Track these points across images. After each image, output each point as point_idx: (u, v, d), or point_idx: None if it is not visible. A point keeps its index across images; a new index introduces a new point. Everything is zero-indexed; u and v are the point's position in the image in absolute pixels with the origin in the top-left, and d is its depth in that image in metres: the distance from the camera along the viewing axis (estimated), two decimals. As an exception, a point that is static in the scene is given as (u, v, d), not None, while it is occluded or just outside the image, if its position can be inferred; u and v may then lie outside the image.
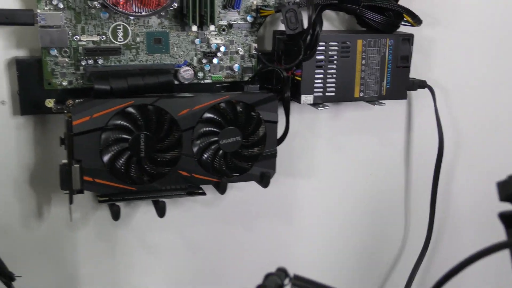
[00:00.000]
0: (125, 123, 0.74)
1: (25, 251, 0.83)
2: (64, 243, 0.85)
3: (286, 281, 0.42)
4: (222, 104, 0.78)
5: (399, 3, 0.86)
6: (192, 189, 0.82)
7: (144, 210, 0.88)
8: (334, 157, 0.97)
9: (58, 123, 0.79)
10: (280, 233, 0.97)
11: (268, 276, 0.42)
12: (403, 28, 0.88)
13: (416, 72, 0.94)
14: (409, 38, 0.87)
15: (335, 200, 0.99)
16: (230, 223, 0.94)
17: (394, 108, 0.97)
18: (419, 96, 0.96)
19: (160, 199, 0.80)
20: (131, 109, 0.74)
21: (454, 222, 1.08)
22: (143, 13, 0.71)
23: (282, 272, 0.42)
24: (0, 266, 0.74)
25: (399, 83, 0.88)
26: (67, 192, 0.74)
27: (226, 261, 0.95)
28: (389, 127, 0.99)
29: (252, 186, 0.91)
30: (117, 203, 0.78)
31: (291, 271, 0.98)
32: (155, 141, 0.75)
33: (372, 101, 0.88)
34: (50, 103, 0.74)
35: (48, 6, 0.71)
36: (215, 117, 0.78)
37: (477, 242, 1.11)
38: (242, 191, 0.92)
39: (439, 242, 1.08)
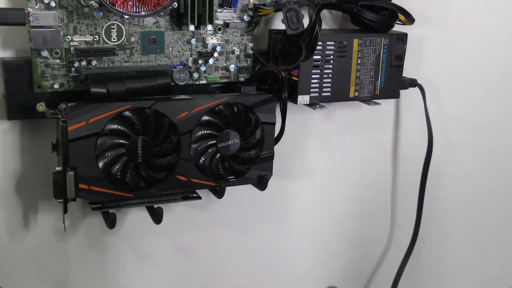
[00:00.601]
0: (122, 128, 0.71)
1: (12, 263, 0.79)
2: (53, 253, 0.82)
3: None
4: (220, 107, 0.76)
5: (393, 2, 0.86)
6: (187, 194, 0.80)
7: (135, 216, 0.86)
8: (326, 158, 0.96)
9: (47, 128, 0.76)
10: (273, 236, 0.96)
11: None
12: (395, 27, 0.88)
13: (406, 71, 0.94)
14: (403, 37, 0.87)
15: (327, 202, 0.99)
16: (223, 227, 0.92)
17: (384, 107, 0.97)
18: (409, 95, 0.97)
19: (156, 205, 0.78)
20: (128, 113, 0.71)
21: (440, 220, 1.09)
22: (143, 13, 0.68)
23: None
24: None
25: (393, 82, 0.88)
26: (61, 201, 0.71)
27: (220, 266, 0.94)
28: (379, 127, 0.99)
29: (244, 189, 0.90)
30: (111, 210, 0.75)
31: (283, 273, 0.97)
32: (153, 146, 0.73)
33: (366, 100, 0.88)
34: (41, 107, 0.70)
35: (38, 4, 0.68)
36: (213, 119, 0.76)
37: (464, 239, 1.13)
38: (235, 194, 0.90)
39: (425, 240, 1.09)
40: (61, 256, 0.83)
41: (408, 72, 0.94)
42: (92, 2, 0.67)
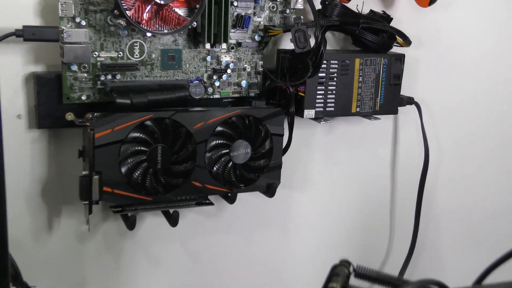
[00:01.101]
0: (143, 136, 0.77)
1: (36, 263, 0.85)
2: (73, 256, 0.87)
3: (351, 269, 0.47)
4: (233, 118, 0.83)
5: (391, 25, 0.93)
6: (201, 200, 0.86)
7: (149, 222, 0.91)
8: (329, 170, 1.02)
9: (72, 137, 0.82)
10: (276, 244, 1.02)
11: (335, 267, 0.46)
12: (394, 49, 0.95)
13: (403, 89, 1.01)
14: (400, 58, 0.94)
15: (328, 212, 1.05)
16: (230, 234, 0.98)
17: (383, 123, 1.03)
18: (406, 112, 1.03)
19: (172, 210, 0.83)
20: (149, 123, 0.77)
21: (436, 230, 1.15)
22: (165, 31, 0.75)
23: (346, 263, 0.47)
24: (18, 276, 0.76)
25: (391, 99, 0.95)
26: (86, 202, 0.76)
27: (226, 271, 0.99)
28: (379, 141, 1.05)
29: (251, 199, 0.96)
30: (131, 213, 0.81)
31: (285, 279, 1.02)
32: (171, 154, 0.79)
33: (367, 115, 0.94)
34: (70, 116, 0.77)
35: (70, 23, 0.74)
36: (226, 130, 0.82)
37: (457, 249, 1.18)
38: (242, 203, 0.96)
39: (423, 249, 1.15)
40: (80, 258, 0.88)
41: (405, 90, 1.01)
42: (120, 21, 0.73)
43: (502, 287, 0.43)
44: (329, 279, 0.45)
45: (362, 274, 0.46)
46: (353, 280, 0.46)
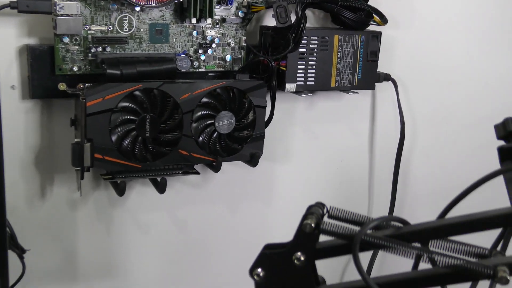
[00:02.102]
0: (133, 105, 0.81)
1: (30, 228, 0.89)
2: (65, 222, 0.91)
3: (325, 210, 0.51)
4: (218, 90, 0.87)
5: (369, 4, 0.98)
6: (187, 169, 0.90)
7: (138, 191, 0.95)
8: (308, 144, 1.07)
9: (64, 107, 0.86)
10: (260, 213, 1.06)
11: (311, 207, 0.51)
12: (371, 27, 1.00)
13: (380, 67, 1.05)
14: (377, 35, 0.99)
15: (309, 183, 1.09)
16: (216, 203, 1.02)
17: (361, 98, 1.08)
18: (383, 89, 1.08)
19: (160, 178, 0.87)
20: (138, 93, 0.81)
21: (411, 201, 1.20)
22: (153, 4, 0.79)
23: (321, 204, 0.51)
24: (14, 239, 0.80)
25: (369, 75, 1.00)
26: (78, 168, 0.80)
27: (212, 239, 1.04)
28: (356, 117, 1.10)
29: (236, 170, 1.00)
30: (121, 180, 0.85)
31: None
32: (159, 123, 0.83)
33: (345, 90, 0.99)
34: (63, 86, 0.81)
35: (62, -3, 0.78)
36: (212, 101, 0.87)
37: (431, 214, 1.24)
38: (227, 173, 1.00)
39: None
40: (72, 224, 0.92)
41: (382, 67, 1.06)
42: (111, -6, 0.77)
43: (462, 218, 0.48)
44: (304, 217, 0.50)
45: (334, 215, 0.50)
46: (327, 220, 0.51)
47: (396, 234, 0.50)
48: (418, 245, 0.50)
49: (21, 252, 0.82)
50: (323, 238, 0.52)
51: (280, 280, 0.52)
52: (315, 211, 0.50)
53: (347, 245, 0.50)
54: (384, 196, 1.15)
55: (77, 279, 0.94)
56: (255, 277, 0.53)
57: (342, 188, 1.13)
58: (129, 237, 0.97)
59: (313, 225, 0.50)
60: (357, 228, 0.51)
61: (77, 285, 0.95)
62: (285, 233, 1.07)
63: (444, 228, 0.50)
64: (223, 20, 0.89)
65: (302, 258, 0.51)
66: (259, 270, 0.53)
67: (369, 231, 0.51)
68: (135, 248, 0.98)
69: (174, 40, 0.87)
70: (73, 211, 0.92)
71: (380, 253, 1.12)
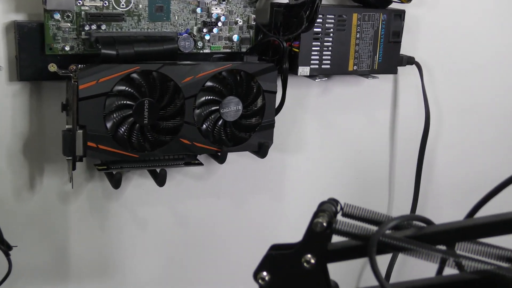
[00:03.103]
0: (129, 89, 0.80)
1: (18, 223, 0.88)
2: (56, 216, 0.91)
3: (338, 208, 0.50)
4: (224, 73, 0.85)
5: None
6: (190, 160, 0.89)
7: (136, 183, 0.94)
8: (323, 133, 1.05)
9: (55, 90, 0.84)
10: (269, 208, 1.05)
11: (323, 204, 0.49)
12: (393, 5, 0.97)
13: (403, 49, 1.03)
14: (400, 14, 0.97)
15: (323, 176, 1.08)
16: (221, 197, 1.01)
17: (381, 84, 1.06)
18: (406, 73, 1.06)
19: (159, 169, 0.86)
20: (135, 75, 0.80)
21: (436, 197, 1.18)
22: (153, -22, 0.78)
23: (333, 201, 0.50)
24: (-1, 235, 0.79)
25: (391, 58, 0.98)
26: (70, 158, 0.79)
27: (216, 236, 1.03)
28: (376, 104, 1.08)
29: (242, 160, 0.99)
30: (116, 171, 0.84)
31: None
32: (158, 108, 0.82)
33: (364, 74, 0.97)
34: (53, 67, 0.79)
35: (53, -31, 0.77)
36: (216, 85, 0.85)
37: (458, 213, 1.22)
38: (233, 165, 0.99)
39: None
40: (63, 219, 0.91)
41: (405, 50, 1.04)
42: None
43: (493, 218, 0.46)
44: (315, 215, 0.48)
45: (349, 213, 0.49)
46: (340, 218, 0.49)
47: (418, 235, 0.49)
48: (443, 247, 0.49)
49: (7, 248, 0.81)
50: (336, 238, 0.51)
51: (287, 285, 0.51)
52: (328, 208, 0.49)
53: (363, 246, 0.49)
54: (405, 192, 1.13)
55: (68, 279, 0.94)
56: (259, 281, 0.52)
57: (359, 182, 1.11)
58: (126, 233, 0.96)
59: (324, 224, 0.49)
60: (374, 228, 0.49)
61: (68, 285, 0.94)
62: (296, 232, 1.06)
63: (473, 228, 0.49)
64: (230, -5, 0.88)
65: (312, 261, 0.50)
66: (264, 273, 0.51)
67: (387, 231, 0.49)
68: (131, 245, 0.97)
69: (176, 18, 0.86)
70: (64, 205, 0.91)
71: (400, 256, 1.11)
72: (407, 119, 1.11)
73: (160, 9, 0.84)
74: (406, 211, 1.11)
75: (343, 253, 0.50)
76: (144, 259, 0.98)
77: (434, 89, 1.11)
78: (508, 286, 0.47)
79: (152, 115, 0.81)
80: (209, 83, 0.85)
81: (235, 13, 0.89)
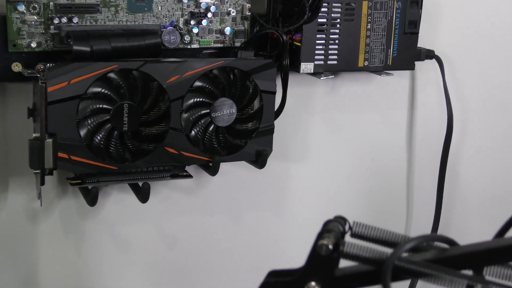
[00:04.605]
0: (106, 91, 0.79)
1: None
2: (23, 238, 0.90)
3: (347, 227, 0.49)
4: (215, 71, 0.85)
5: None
6: (177, 171, 0.88)
7: (115, 199, 0.94)
8: (331, 138, 1.05)
9: (20, 93, 0.84)
10: (269, 226, 1.05)
11: (328, 223, 0.49)
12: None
13: (421, 41, 1.03)
14: (417, 1, 0.96)
15: (332, 188, 1.07)
16: (214, 214, 1.00)
17: (396, 81, 1.06)
18: (425, 68, 1.06)
19: (142, 182, 0.85)
20: (113, 75, 0.79)
21: (462, 212, 1.17)
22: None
23: (341, 219, 0.49)
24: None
25: (407, 51, 0.98)
26: (38, 171, 0.78)
27: (209, 259, 1.02)
28: (391, 104, 1.08)
29: (237, 171, 0.99)
30: (92, 186, 0.83)
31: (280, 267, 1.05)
32: (140, 113, 0.81)
33: (377, 71, 0.97)
34: (17, 67, 0.79)
35: (16, -47, 0.76)
36: (207, 86, 0.85)
37: (488, 231, 1.21)
38: (228, 176, 0.99)
39: (446, 232, 1.17)
40: (31, 241, 0.90)
41: (423, 42, 1.03)
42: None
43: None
44: (320, 236, 0.48)
45: (359, 233, 0.48)
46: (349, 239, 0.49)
47: (440, 258, 0.49)
48: (469, 272, 0.48)
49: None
50: (344, 263, 0.50)
51: (288, 318, 0.50)
52: (334, 227, 0.48)
53: (375, 272, 0.48)
54: (426, 206, 1.12)
55: (38, 310, 0.93)
56: (256, 313, 0.51)
57: (373, 195, 1.11)
58: (105, 256, 0.95)
59: (330, 246, 0.48)
60: (389, 251, 0.48)
61: (39, 316, 0.93)
62: (299, 253, 1.05)
63: (504, 250, 0.48)
64: (221, -18, 0.87)
65: (317, 289, 0.49)
66: (262, 305, 0.51)
67: (404, 254, 0.48)
68: (112, 270, 0.96)
69: (159, 8, 0.85)
70: (33, 224, 0.90)
71: (420, 283, 1.10)
72: (426, 122, 1.10)
73: (141, -2, 0.84)
74: (427, 229, 1.11)
75: (353, 280, 0.50)
76: (127, 286, 0.97)
77: (457, 87, 1.11)
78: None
79: (133, 121, 0.81)
80: (198, 83, 0.84)
81: (227, 2, 0.88)
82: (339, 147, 1.06)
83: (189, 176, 0.89)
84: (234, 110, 0.86)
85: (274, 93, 0.88)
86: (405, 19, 0.96)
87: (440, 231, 1.10)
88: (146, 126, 0.82)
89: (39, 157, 0.77)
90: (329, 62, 0.93)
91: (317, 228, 1.03)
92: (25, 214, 0.89)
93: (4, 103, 0.84)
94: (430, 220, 1.11)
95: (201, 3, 0.86)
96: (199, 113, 0.85)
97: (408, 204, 1.14)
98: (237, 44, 0.90)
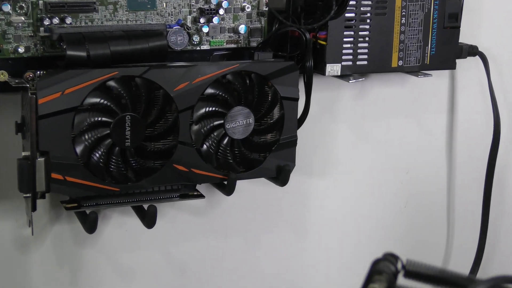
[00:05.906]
0: (105, 102, 0.78)
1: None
2: (12, 270, 0.89)
3: (399, 266, 0.47)
4: (229, 76, 0.83)
5: None
6: (187, 191, 0.87)
7: (117, 224, 0.93)
8: (359, 149, 1.04)
9: (6, 106, 0.83)
10: (291, 249, 1.04)
11: (378, 262, 0.47)
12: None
13: (462, 35, 1.02)
14: (459, -9, 0.95)
15: (361, 206, 1.06)
16: (228, 237, 1.00)
17: (435, 82, 1.05)
18: (467, 66, 1.05)
19: (147, 204, 0.84)
20: (113, 83, 0.78)
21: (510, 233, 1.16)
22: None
23: (392, 257, 0.47)
24: None
25: (447, 48, 0.97)
26: (28, 195, 0.77)
27: (223, 287, 1.01)
28: (429, 108, 1.07)
29: (255, 189, 0.98)
30: (91, 210, 0.82)
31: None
32: (144, 126, 0.80)
33: (413, 72, 0.96)
34: (3, 76, 0.77)
35: None
36: (220, 93, 0.83)
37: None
38: (244, 194, 0.98)
39: (494, 250, 1.17)
40: (22, 273, 0.89)
41: (465, 37, 1.02)
42: None
43: None
44: (369, 278, 0.46)
45: (415, 272, 0.46)
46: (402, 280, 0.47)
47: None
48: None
49: None
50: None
51: None
52: (385, 268, 0.46)
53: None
54: (469, 224, 1.12)
55: None
56: None
57: (408, 212, 1.10)
58: (106, 287, 0.94)
59: (384, 291, 0.45)
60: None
61: None
62: (325, 278, 1.04)
63: None
64: (234, -26, 0.86)
65: None
66: None
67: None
68: (113, 303, 0.95)
69: (164, 5, 0.84)
70: (23, 254, 0.89)
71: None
72: (469, 127, 1.10)
73: (143, -6, 0.83)
74: (471, 250, 1.09)
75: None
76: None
77: (504, 87, 1.10)
78: None
79: (136, 135, 0.79)
80: (209, 90, 0.83)
81: (241, -4, 0.87)
82: (369, 159, 1.05)
83: (201, 196, 0.88)
84: (251, 120, 0.85)
85: (297, 99, 0.87)
86: (445, 12, 0.95)
87: (486, 255, 1.09)
88: (151, 140, 0.81)
89: (29, 179, 0.76)
90: (358, 63, 0.92)
91: (343, 251, 1.02)
92: (14, 244, 0.88)
93: (-12, 117, 0.83)
94: (474, 240, 1.10)
95: (211, -2, 0.86)
96: (211, 125, 0.84)
97: (449, 223, 1.13)
98: (253, 44, 0.89)
